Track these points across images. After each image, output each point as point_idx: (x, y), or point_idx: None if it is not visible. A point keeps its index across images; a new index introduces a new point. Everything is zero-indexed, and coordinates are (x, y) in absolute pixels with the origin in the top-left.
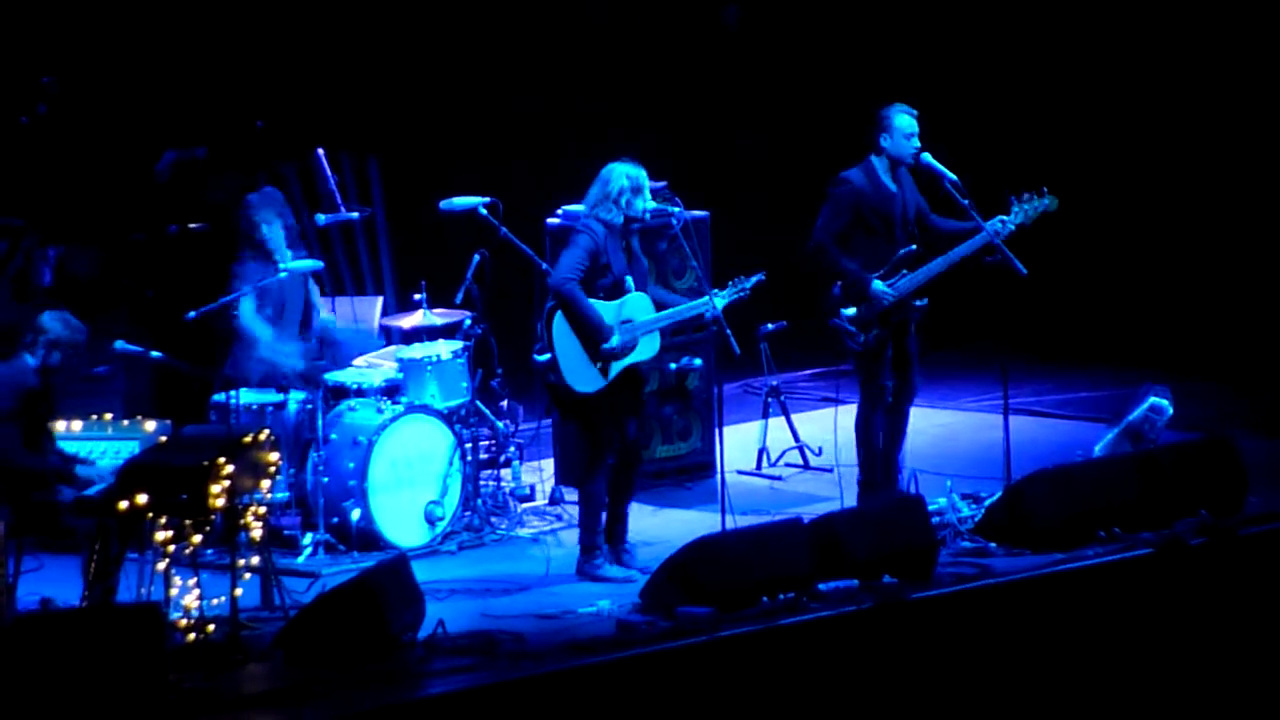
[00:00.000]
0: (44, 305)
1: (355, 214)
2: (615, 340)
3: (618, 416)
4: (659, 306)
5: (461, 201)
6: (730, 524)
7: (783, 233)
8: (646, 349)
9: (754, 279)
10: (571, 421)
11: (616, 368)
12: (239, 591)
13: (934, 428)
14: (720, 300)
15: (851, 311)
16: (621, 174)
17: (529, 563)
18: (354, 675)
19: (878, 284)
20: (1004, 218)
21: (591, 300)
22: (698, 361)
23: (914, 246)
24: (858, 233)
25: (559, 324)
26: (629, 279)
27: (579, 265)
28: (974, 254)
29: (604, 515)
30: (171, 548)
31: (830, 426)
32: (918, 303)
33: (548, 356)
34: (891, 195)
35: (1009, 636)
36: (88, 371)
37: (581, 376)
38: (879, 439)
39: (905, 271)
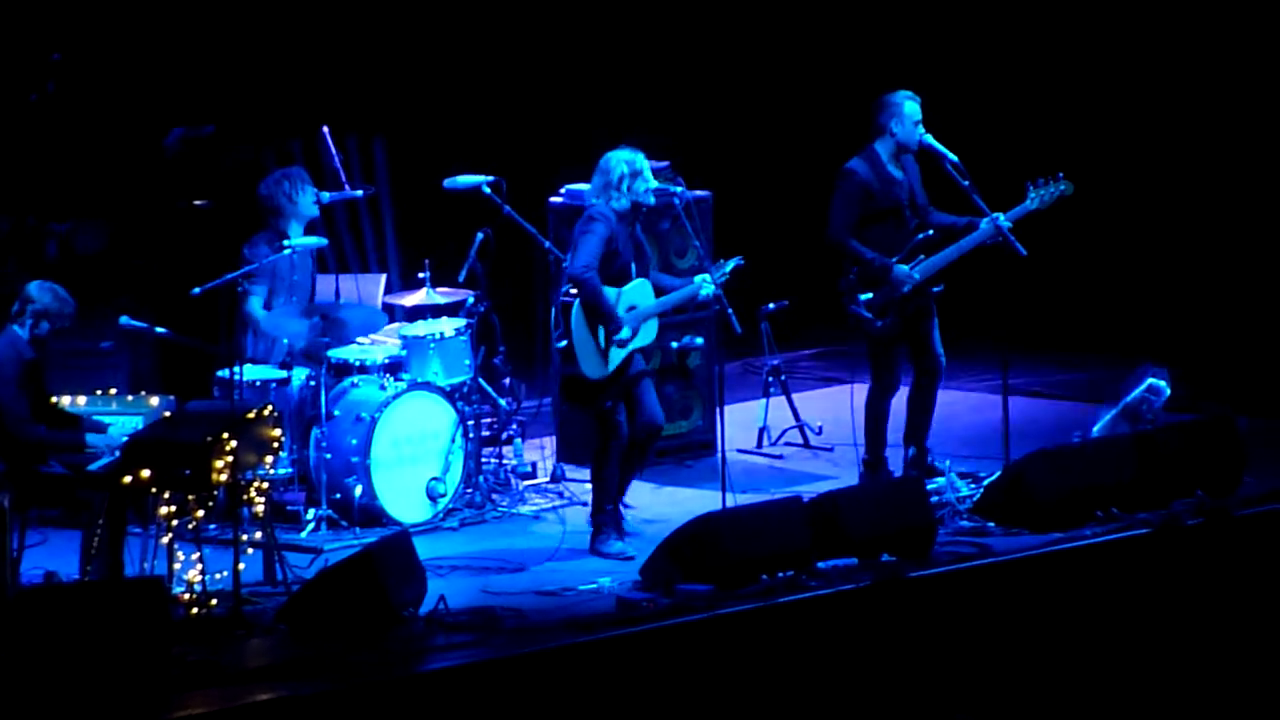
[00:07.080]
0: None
1: (359, 192)
2: (626, 332)
3: (625, 398)
4: (657, 291)
5: (465, 180)
6: (730, 502)
7: (785, 212)
8: (646, 335)
9: (730, 264)
10: (582, 410)
11: (620, 354)
12: (242, 566)
13: None
14: (709, 286)
15: (868, 296)
16: (619, 160)
17: (530, 539)
18: (356, 650)
19: (900, 267)
20: (999, 214)
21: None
22: (699, 340)
23: (930, 231)
24: (870, 222)
25: (576, 312)
26: (633, 265)
27: (599, 253)
28: (984, 242)
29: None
30: (175, 522)
31: (830, 406)
32: (934, 289)
33: (564, 344)
34: (897, 181)
35: (1007, 615)
36: (92, 346)
37: (594, 363)
38: (887, 422)
39: (923, 256)
